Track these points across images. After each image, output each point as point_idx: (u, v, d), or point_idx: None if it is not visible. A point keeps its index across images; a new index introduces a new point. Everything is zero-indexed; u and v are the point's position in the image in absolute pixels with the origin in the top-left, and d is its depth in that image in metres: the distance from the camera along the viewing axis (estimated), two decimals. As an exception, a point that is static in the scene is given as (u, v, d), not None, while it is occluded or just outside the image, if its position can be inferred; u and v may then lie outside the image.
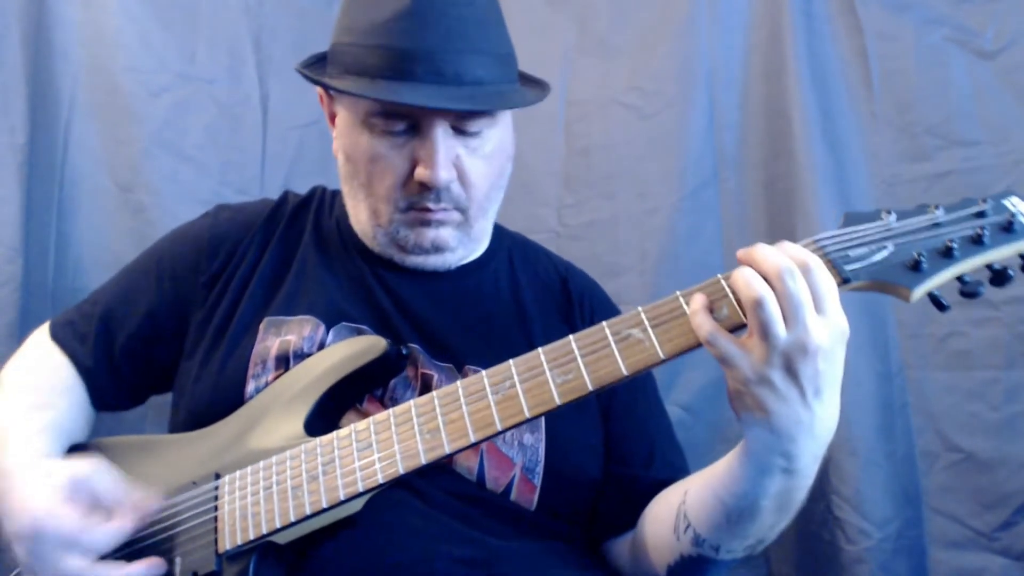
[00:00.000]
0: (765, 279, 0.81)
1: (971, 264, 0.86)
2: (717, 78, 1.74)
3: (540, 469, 1.06)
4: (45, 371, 1.20)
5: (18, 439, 1.08)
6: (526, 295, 1.21)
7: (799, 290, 0.80)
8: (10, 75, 1.67)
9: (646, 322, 0.88)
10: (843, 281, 0.84)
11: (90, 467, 1.01)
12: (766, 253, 0.83)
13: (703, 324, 0.83)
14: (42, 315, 1.65)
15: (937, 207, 0.88)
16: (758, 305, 0.80)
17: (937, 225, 0.87)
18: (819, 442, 0.87)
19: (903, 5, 1.59)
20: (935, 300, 0.86)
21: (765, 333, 0.80)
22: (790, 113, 1.64)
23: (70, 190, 1.71)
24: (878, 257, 0.86)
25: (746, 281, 0.81)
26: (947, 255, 0.85)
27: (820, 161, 1.61)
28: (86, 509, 0.98)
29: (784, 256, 0.82)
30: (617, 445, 1.15)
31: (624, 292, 1.42)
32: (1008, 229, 0.86)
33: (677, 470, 1.14)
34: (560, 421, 1.09)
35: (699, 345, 0.85)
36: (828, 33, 1.64)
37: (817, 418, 0.84)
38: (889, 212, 0.88)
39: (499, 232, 1.28)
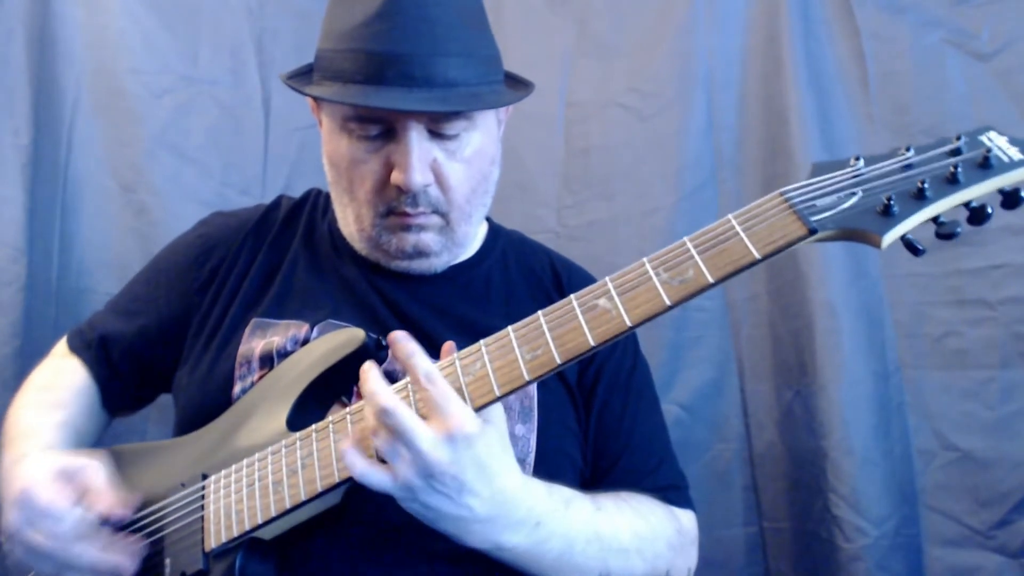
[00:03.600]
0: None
1: (945, 204, 0.81)
2: (715, 79, 1.75)
3: (531, 460, 1.07)
4: (62, 375, 1.24)
5: (35, 433, 1.13)
6: (520, 293, 1.21)
7: (401, 422, 0.86)
8: (14, 76, 1.69)
9: (612, 291, 0.87)
10: (809, 232, 0.81)
11: (85, 461, 1.05)
12: (373, 389, 0.89)
13: (354, 463, 0.88)
14: (46, 315, 1.66)
15: (908, 148, 0.84)
16: (373, 434, 0.88)
17: (908, 167, 0.83)
18: (494, 522, 0.91)
19: (900, 7, 1.60)
20: (909, 244, 0.82)
21: (386, 457, 0.87)
22: (788, 114, 1.65)
23: (73, 191, 1.73)
24: (846, 204, 0.82)
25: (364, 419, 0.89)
26: (919, 197, 0.80)
27: (817, 162, 1.62)
28: (71, 495, 1.01)
29: (384, 392, 0.88)
30: (593, 441, 1.16)
31: (623, 292, 1.44)
32: (984, 165, 0.81)
33: (639, 476, 1.15)
34: (551, 411, 1.11)
35: (667, 310, 0.85)
36: (825, 35, 1.66)
37: (475, 508, 0.89)
38: (858, 158, 0.85)
39: (495, 231, 1.28)
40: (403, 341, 0.90)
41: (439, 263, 1.16)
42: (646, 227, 1.76)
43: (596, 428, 1.16)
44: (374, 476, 0.88)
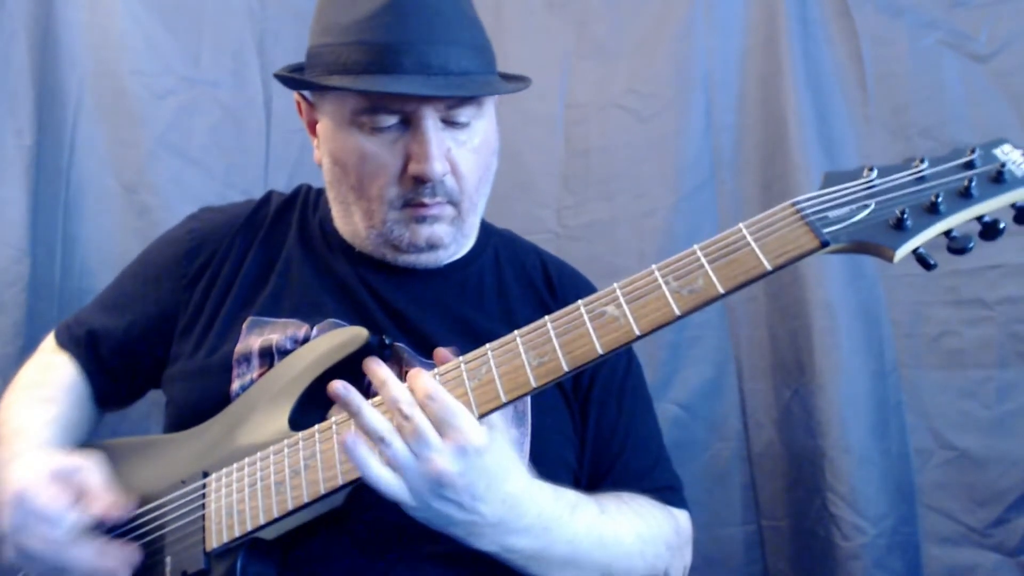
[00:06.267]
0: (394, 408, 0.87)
1: (959, 219, 0.80)
2: (714, 81, 1.75)
3: (525, 464, 1.06)
4: (51, 370, 1.24)
5: (27, 430, 1.13)
6: (512, 291, 1.21)
7: (418, 424, 0.86)
8: (17, 78, 1.70)
9: (621, 298, 0.87)
10: (821, 244, 0.81)
11: (81, 461, 1.05)
12: (388, 386, 0.89)
13: (366, 465, 0.87)
14: (48, 315, 1.67)
15: (923, 160, 0.82)
16: (381, 443, 0.87)
17: (922, 179, 0.82)
18: (505, 525, 0.92)
19: (897, 9, 1.61)
20: (921, 259, 0.82)
21: (396, 467, 0.87)
22: (786, 116, 1.66)
23: (76, 191, 1.74)
24: (859, 217, 0.81)
25: (369, 420, 0.88)
26: (932, 211, 0.80)
27: (815, 163, 1.62)
28: (67, 497, 1.01)
29: (402, 390, 0.88)
30: (590, 445, 1.17)
31: (622, 292, 1.45)
32: (998, 180, 0.80)
33: (636, 478, 1.16)
34: (545, 415, 1.11)
35: (676, 319, 0.84)
36: (823, 36, 1.66)
37: (486, 514, 0.90)
38: (872, 169, 0.83)
39: (486, 229, 1.28)
40: (376, 367, 0.93)
41: (446, 256, 1.16)
42: (646, 227, 1.77)
43: (593, 432, 1.16)
44: (385, 481, 0.87)
